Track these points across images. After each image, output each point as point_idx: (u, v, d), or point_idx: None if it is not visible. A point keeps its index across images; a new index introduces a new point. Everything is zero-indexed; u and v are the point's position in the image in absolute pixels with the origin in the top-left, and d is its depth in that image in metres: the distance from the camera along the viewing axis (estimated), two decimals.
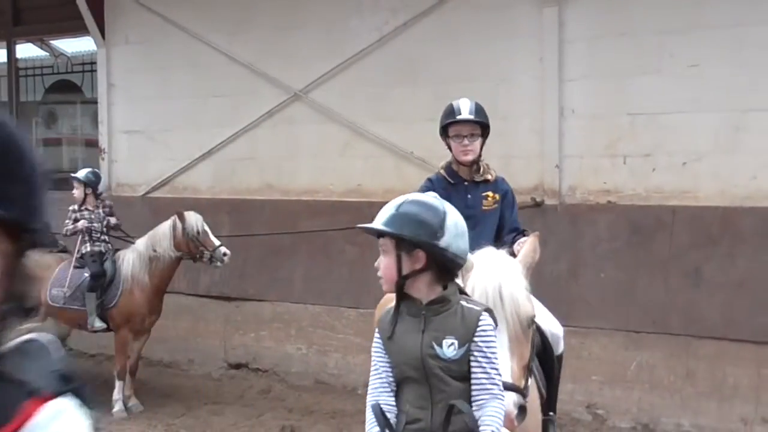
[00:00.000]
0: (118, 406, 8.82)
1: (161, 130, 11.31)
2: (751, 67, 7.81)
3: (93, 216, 9.31)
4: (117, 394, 8.90)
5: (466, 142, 5.40)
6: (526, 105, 8.81)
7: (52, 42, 13.06)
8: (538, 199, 8.64)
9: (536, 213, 8.59)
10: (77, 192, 9.35)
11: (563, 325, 8.29)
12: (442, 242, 3.14)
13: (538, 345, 4.39)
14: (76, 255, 9.24)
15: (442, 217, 3.18)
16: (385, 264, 3.24)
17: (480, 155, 5.50)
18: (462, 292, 3.32)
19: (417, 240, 3.14)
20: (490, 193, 5.47)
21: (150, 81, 11.38)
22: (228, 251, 8.94)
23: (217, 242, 8.97)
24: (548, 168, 8.70)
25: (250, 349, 10.29)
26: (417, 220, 3.16)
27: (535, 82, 8.72)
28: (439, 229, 3.15)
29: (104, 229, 9.39)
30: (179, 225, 8.92)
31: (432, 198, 3.30)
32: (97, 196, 9.49)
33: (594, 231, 8.50)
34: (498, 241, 5.22)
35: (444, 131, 5.58)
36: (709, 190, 8.07)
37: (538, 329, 4.39)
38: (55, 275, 9.21)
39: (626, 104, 8.40)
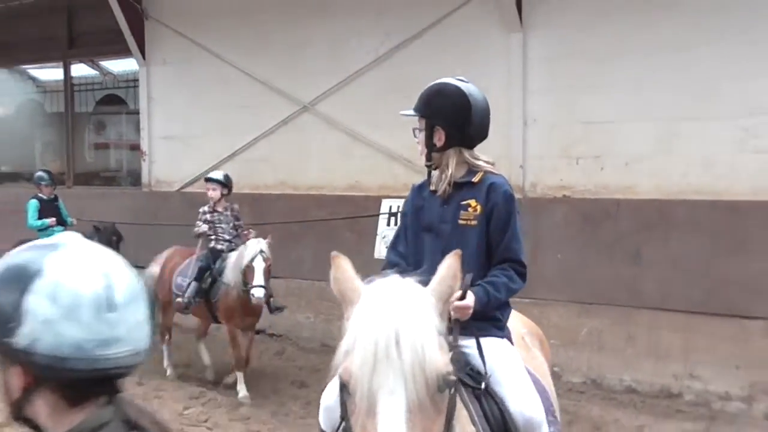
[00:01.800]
0: (242, 392, 7.99)
1: (193, 135, 11.31)
2: (682, 83, 7.81)
3: (222, 217, 8.49)
4: (240, 384, 8.06)
5: (414, 137, 3.47)
6: (495, 114, 8.67)
7: (101, 62, 13.04)
8: None
9: None
10: (215, 192, 8.46)
11: (525, 298, 8.38)
12: (21, 337, 1.49)
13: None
14: (199, 251, 8.58)
15: (19, 293, 1.51)
16: None
17: (437, 148, 3.34)
18: (132, 426, 1.59)
19: None
20: (471, 202, 3.26)
21: (183, 95, 11.38)
22: (259, 296, 7.60)
23: (258, 282, 7.66)
24: (514, 167, 8.69)
25: (267, 318, 10.30)
26: None
27: (503, 94, 8.69)
28: (12, 314, 1.51)
29: (231, 231, 8.50)
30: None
31: (26, 255, 1.58)
32: (227, 198, 8.60)
33: (552, 220, 8.52)
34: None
35: None
36: (648, 186, 8.09)
37: (500, 408, 3.02)
38: (183, 266, 8.58)
39: (579, 114, 8.41)
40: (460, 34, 8.94)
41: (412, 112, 3.41)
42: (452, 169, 3.32)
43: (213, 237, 8.47)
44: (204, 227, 8.44)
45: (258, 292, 7.58)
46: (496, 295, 3.13)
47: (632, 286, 7.99)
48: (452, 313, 2.85)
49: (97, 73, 13.19)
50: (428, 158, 3.37)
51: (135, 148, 12.28)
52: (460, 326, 2.96)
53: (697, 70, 7.73)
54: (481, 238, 3.25)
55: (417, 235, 3.38)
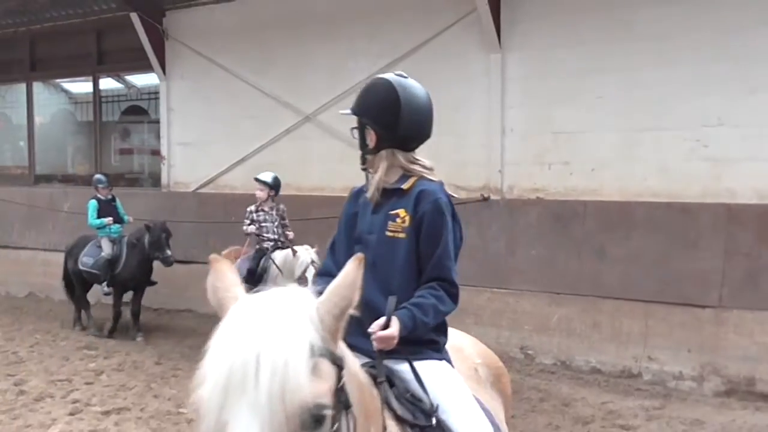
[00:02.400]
0: None
1: (207, 142, 11.25)
2: (641, 98, 7.82)
3: (267, 217, 8.10)
4: None
5: (354, 137, 2.86)
6: (477, 125, 8.81)
7: (126, 77, 12.97)
8: (485, 196, 8.64)
9: (484, 206, 8.61)
10: (262, 193, 8.09)
11: (502, 288, 8.37)
12: None
13: None
14: (246, 248, 8.26)
15: None
16: None
17: (369, 149, 2.76)
18: None
19: None
20: (400, 212, 2.62)
21: (199, 106, 11.33)
22: None
23: None
24: (493, 172, 8.69)
25: None
26: None
27: (484, 108, 8.70)
28: None
29: (276, 230, 8.07)
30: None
31: None
32: (273, 199, 8.19)
33: (526, 219, 8.51)
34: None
35: None
36: (611, 189, 8.08)
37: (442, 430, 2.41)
38: (236, 265, 7.99)
39: (551, 125, 8.39)
40: (444, 55, 8.91)
41: (349, 111, 2.80)
42: (381, 174, 2.69)
43: (258, 235, 8.04)
44: (252, 227, 8.05)
45: None
46: (423, 320, 2.46)
47: (597, 278, 7.98)
48: (374, 344, 2.33)
49: (123, 86, 13.11)
50: (363, 160, 2.78)
51: (155, 153, 12.21)
52: (385, 354, 2.38)
53: (654, 87, 7.74)
54: (409, 253, 2.56)
55: (349, 244, 2.74)
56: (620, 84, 7.92)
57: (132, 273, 9.66)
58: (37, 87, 13.95)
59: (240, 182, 10.88)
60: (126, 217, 10.18)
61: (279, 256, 7.89)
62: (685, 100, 7.58)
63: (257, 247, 8.09)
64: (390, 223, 2.61)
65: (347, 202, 2.85)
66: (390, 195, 2.66)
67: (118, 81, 13.11)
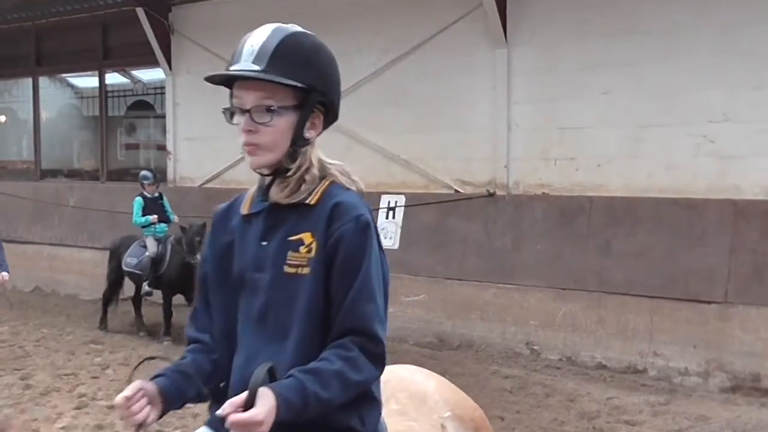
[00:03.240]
0: None
1: (213, 137, 11.24)
2: (647, 93, 7.80)
3: None
4: None
5: (247, 122, 1.94)
6: (483, 121, 8.80)
7: (132, 72, 13.00)
8: (491, 191, 8.64)
9: (489, 202, 8.62)
10: None
11: (508, 284, 8.35)
12: None
13: None
14: None
15: None
16: None
17: (294, 150, 1.93)
18: None
19: None
20: (304, 236, 1.79)
21: (205, 101, 11.27)
22: None
23: None
24: (499, 168, 8.68)
25: None
26: None
27: (489, 104, 8.69)
28: None
29: None
30: None
31: None
32: None
33: (532, 214, 8.50)
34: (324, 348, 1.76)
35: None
36: (617, 185, 8.07)
37: None
38: None
39: (556, 121, 8.38)
40: (450, 50, 8.89)
41: (253, 70, 1.82)
42: (317, 171, 1.91)
43: None
44: None
45: None
46: (320, 395, 1.64)
47: (603, 274, 7.97)
48: None
49: (129, 81, 13.13)
50: (293, 157, 1.88)
51: (161, 148, 12.23)
52: None
53: (660, 83, 7.71)
54: (316, 294, 1.77)
55: (224, 290, 1.90)
56: (626, 79, 7.90)
57: (175, 275, 9.18)
58: (43, 82, 13.99)
59: (246, 177, 10.82)
60: (172, 216, 9.75)
61: None
62: (691, 95, 7.55)
63: None
64: (290, 253, 1.79)
65: (212, 231, 1.97)
66: (286, 213, 1.85)
67: (124, 76, 13.13)
